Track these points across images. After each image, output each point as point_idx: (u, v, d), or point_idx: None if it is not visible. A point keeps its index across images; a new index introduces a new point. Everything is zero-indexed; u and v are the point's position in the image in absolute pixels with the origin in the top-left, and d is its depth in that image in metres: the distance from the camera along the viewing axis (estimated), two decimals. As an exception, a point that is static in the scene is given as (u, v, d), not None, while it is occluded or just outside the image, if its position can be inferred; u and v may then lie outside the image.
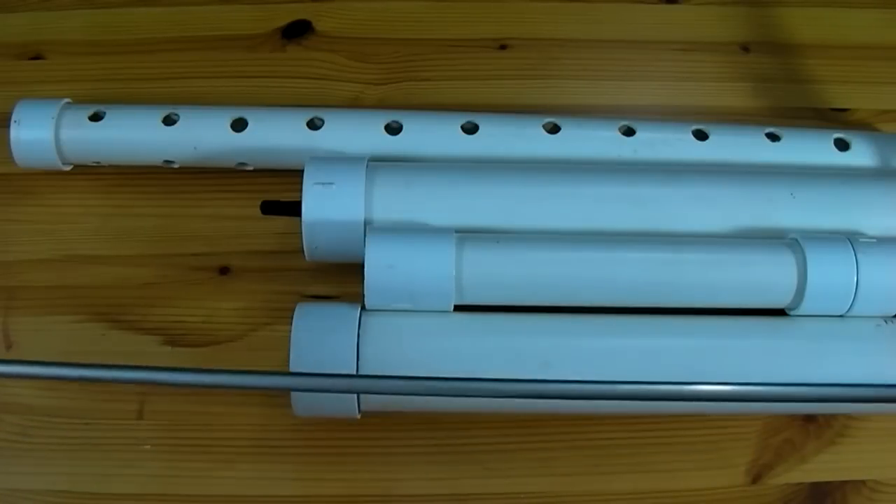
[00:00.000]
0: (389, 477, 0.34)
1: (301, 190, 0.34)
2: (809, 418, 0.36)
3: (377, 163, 0.36)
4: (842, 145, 0.40)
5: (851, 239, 0.34)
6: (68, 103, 0.39)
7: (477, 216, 0.35)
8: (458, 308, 0.33)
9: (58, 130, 0.38)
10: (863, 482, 0.35)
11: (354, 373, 0.31)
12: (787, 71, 0.46)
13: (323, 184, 0.34)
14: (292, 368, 0.31)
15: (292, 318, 0.32)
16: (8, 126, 0.38)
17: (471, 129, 0.39)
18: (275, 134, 0.38)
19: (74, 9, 0.46)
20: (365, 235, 0.33)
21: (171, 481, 0.34)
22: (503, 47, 0.46)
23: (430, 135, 0.39)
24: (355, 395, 0.31)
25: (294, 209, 0.35)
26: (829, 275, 0.33)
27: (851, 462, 0.35)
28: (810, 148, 0.39)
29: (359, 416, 0.33)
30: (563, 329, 0.33)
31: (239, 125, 0.38)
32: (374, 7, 0.47)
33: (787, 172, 0.37)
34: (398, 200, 0.35)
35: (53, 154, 0.38)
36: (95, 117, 0.39)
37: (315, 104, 0.41)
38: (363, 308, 0.33)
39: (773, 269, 0.34)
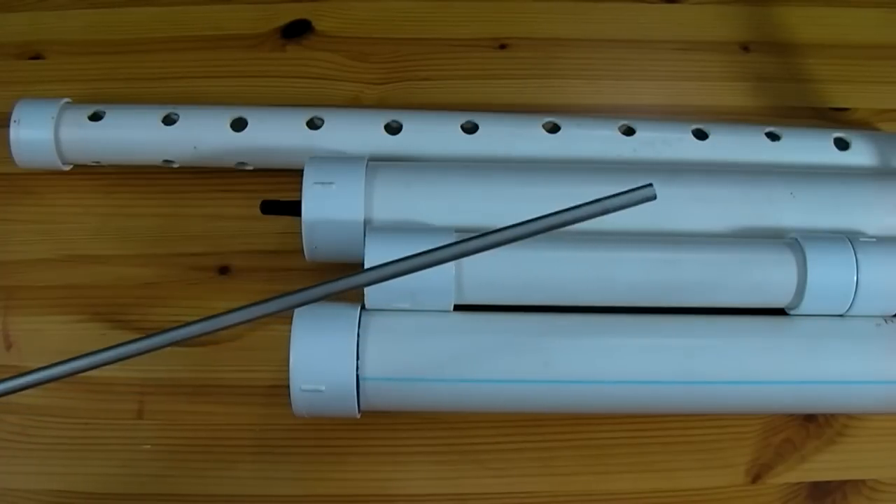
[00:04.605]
0: (390, 477, 0.34)
1: (301, 190, 0.34)
2: (809, 418, 0.36)
3: (377, 162, 0.36)
4: (841, 145, 0.40)
5: (851, 238, 0.34)
6: (68, 103, 0.39)
7: (477, 216, 0.35)
8: (458, 308, 0.33)
9: (57, 130, 0.38)
10: (863, 482, 0.35)
11: (354, 373, 0.31)
12: (787, 70, 0.46)
13: (323, 183, 0.34)
14: (292, 368, 0.31)
15: (292, 318, 0.32)
16: (8, 126, 0.38)
17: (471, 128, 0.39)
18: (275, 134, 0.38)
19: (74, 9, 0.46)
20: (365, 235, 0.33)
21: (171, 481, 0.34)
22: (503, 47, 0.46)
23: (430, 134, 0.39)
24: (355, 395, 0.31)
25: (294, 209, 0.35)
26: (829, 274, 0.33)
27: (851, 462, 0.35)
28: (810, 147, 0.39)
29: (359, 416, 0.33)
30: (563, 329, 0.33)
31: (239, 125, 0.38)
32: (374, 7, 0.47)
33: (787, 172, 0.37)
34: (398, 200, 0.35)
35: (53, 154, 0.38)
36: (95, 117, 0.39)
37: (315, 104, 0.41)
38: (363, 308, 0.33)
39: (773, 268, 0.34)
